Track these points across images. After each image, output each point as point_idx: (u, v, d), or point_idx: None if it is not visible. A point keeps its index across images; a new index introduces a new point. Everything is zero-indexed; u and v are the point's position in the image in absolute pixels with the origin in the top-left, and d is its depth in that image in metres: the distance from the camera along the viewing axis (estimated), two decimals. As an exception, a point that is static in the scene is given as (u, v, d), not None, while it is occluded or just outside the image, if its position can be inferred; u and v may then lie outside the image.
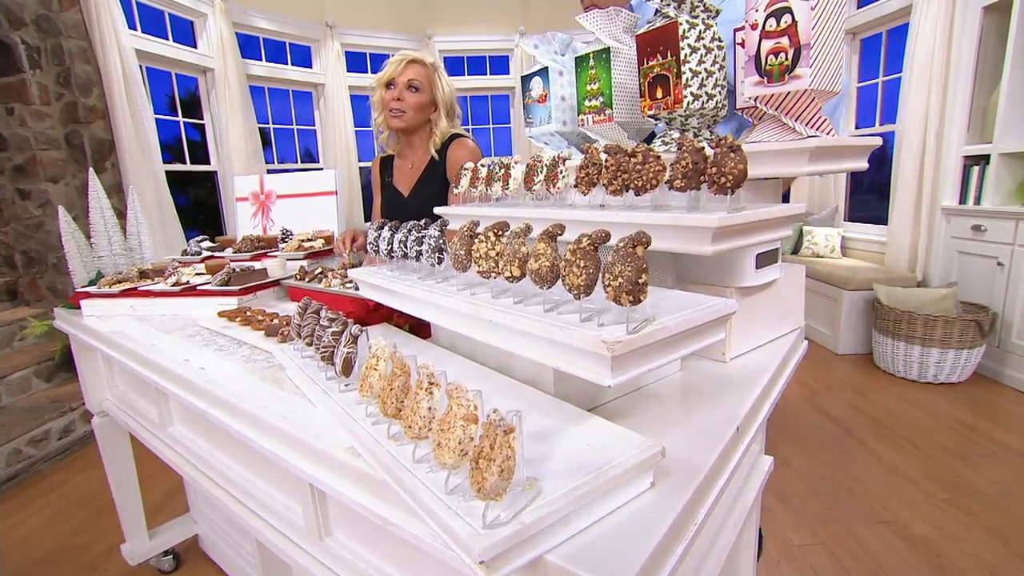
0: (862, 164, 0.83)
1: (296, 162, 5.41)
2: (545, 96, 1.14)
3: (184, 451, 1.26)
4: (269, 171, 4.79)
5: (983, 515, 1.91)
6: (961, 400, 2.86)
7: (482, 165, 1.13)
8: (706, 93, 0.86)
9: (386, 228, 1.03)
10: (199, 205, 4.77)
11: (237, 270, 1.58)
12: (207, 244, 1.97)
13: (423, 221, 0.95)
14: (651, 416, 0.75)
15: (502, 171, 1.06)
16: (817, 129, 0.74)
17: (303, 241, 1.88)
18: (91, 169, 1.84)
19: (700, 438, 0.68)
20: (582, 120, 1.07)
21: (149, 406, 1.42)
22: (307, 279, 1.59)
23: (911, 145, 3.56)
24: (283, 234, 1.98)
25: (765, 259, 0.94)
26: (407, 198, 1.92)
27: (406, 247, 0.96)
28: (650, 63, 0.88)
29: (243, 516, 1.00)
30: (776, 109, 0.76)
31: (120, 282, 1.59)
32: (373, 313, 1.13)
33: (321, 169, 5.32)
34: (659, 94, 0.88)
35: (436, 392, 0.54)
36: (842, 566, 1.72)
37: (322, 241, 1.91)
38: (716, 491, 0.63)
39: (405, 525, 0.60)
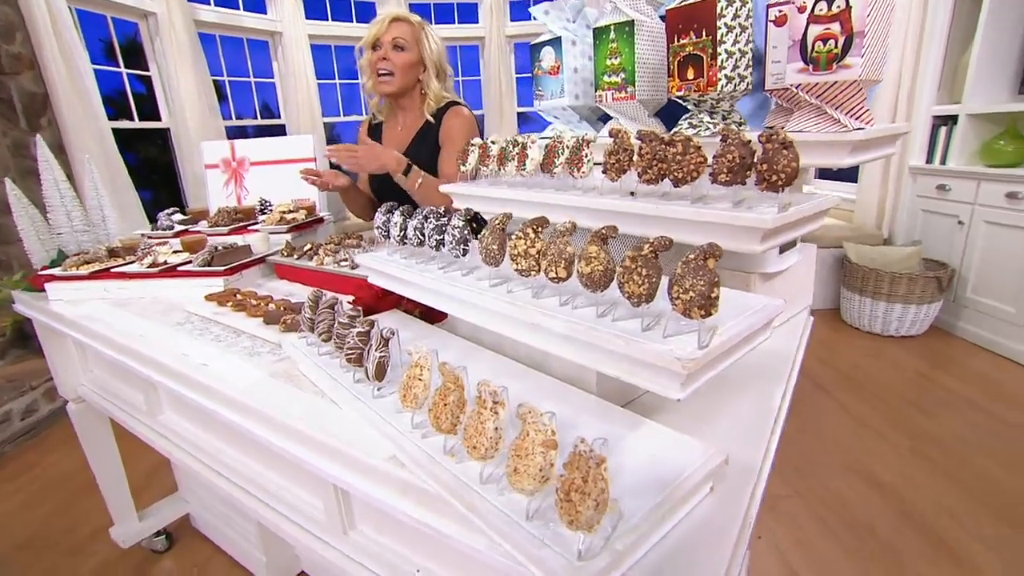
0: (893, 150, 0.82)
1: (255, 117, 5.06)
2: (557, 68, 1.07)
3: (178, 439, 1.21)
4: (227, 128, 4.47)
5: (942, 462, 2.08)
6: (919, 353, 3.05)
7: (492, 142, 1.07)
8: (739, 75, 0.82)
9: (397, 213, 0.97)
10: (150, 164, 4.43)
11: (219, 248, 1.48)
12: (179, 217, 1.84)
13: (441, 208, 0.90)
14: (687, 409, 0.75)
15: (516, 150, 1.01)
16: (859, 119, 0.73)
17: (284, 213, 1.78)
18: (38, 136, 1.67)
19: (742, 433, 0.69)
20: (600, 96, 1.02)
21: (135, 393, 1.34)
22: (296, 256, 1.51)
23: (883, 104, 3.60)
24: (261, 205, 1.87)
25: (787, 243, 0.94)
26: None
27: (423, 235, 0.91)
28: (681, 41, 0.83)
29: (254, 507, 0.97)
30: (818, 98, 0.74)
31: (88, 263, 1.48)
32: (382, 300, 1.08)
33: (283, 126, 5.03)
34: (690, 75, 0.84)
35: (502, 412, 0.52)
36: (818, 515, 1.85)
37: (304, 212, 1.81)
38: (764, 487, 0.65)
39: (460, 537, 0.59)
